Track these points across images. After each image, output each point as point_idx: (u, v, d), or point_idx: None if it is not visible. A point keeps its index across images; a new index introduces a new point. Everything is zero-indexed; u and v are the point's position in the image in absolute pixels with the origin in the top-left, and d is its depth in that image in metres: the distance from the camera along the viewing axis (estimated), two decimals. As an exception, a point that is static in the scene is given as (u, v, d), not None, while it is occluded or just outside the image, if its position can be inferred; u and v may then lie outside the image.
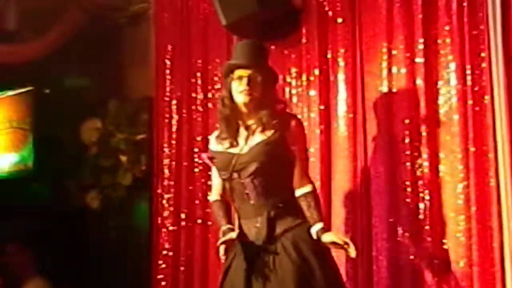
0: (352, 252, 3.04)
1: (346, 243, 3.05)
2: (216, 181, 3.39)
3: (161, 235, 4.64)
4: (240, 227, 3.26)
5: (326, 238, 3.08)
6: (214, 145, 3.34)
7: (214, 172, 3.40)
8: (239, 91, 3.19)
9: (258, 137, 3.19)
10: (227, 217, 3.32)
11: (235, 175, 3.19)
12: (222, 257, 3.26)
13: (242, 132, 3.25)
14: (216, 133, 3.37)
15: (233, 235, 3.18)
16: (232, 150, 3.23)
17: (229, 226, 3.27)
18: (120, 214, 5.24)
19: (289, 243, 3.10)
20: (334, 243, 3.07)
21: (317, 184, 3.82)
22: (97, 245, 5.31)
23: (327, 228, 3.16)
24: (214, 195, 3.40)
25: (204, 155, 3.46)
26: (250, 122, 3.24)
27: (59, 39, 5.25)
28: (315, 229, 3.10)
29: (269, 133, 3.18)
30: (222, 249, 3.22)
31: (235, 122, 3.26)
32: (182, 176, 4.54)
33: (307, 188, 3.18)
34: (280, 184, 3.20)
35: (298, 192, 3.19)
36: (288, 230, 3.13)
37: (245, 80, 3.17)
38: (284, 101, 3.57)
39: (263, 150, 3.15)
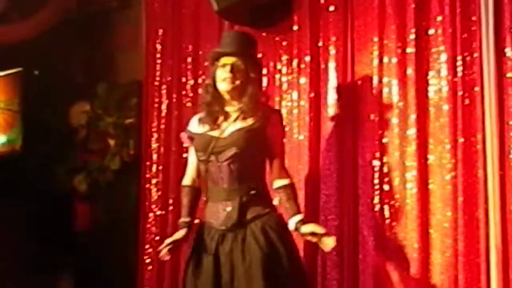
0: (331, 243, 3.10)
1: (325, 233, 3.12)
2: (191, 165, 3.46)
3: (148, 219, 4.64)
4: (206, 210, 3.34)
5: (306, 228, 3.16)
6: (195, 127, 3.40)
7: (190, 155, 3.46)
8: (222, 79, 3.26)
9: (240, 124, 3.26)
10: (188, 207, 3.41)
11: (212, 157, 3.25)
12: (166, 257, 3.34)
13: (225, 116, 3.30)
14: (197, 116, 3.43)
15: (177, 236, 3.31)
16: (212, 133, 3.29)
17: (186, 219, 3.37)
18: (107, 198, 5.23)
19: (258, 229, 3.17)
20: (313, 233, 3.14)
21: (306, 171, 3.85)
22: (85, 229, 5.31)
23: (305, 220, 3.22)
24: (186, 179, 3.49)
25: (183, 134, 3.53)
26: (232, 109, 3.30)
27: (48, 21, 5.21)
28: (294, 220, 3.19)
29: (250, 121, 3.25)
30: (165, 250, 3.30)
31: (217, 109, 3.31)
32: (170, 161, 4.54)
33: (287, 181, 3.27)
34: (254, 172, 3.28)
35: (277, 184, 3.28)
36: (258, 217, 3.21)
37: (228, 68, 3.25)
38: (267, 95, 3.63)
39: (243, 137, 3.22)
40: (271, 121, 3.29)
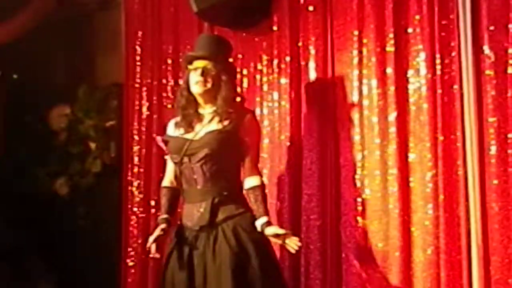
0: (294, 244, 3.12)
1: (287, 234, 3.16)
2: (169, 167, 3.51)
3: (130, 222, 4.62)
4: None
5: (269, 231, 3.20)
6: (172, 130, 3.47)
7: (168, 157, 3.49)
8: (194, 82, 3.33)
9: (214, 126, 3.31)
10: (167, 206, 3.45)
11: (185, 159, 3.31)
12: (156, 255, 3.34)
13: (200, 119, 3.36)
14: (174, 120, 3.49)
15: (158, 232, 3.31)
16: (187, 136, 3.35)
17: (164, 216, 3.40)
18: (89, 201, 5.21)
19: (230, 230, 3.22)
20: (277, 235, 3.17)
21: (288, 171, 3.85)
22: (66, 232, 5.27)
23: (270, 223, 3.24)
24: (165, 181, 3.53)
25: (158, 138, 3.58)
26: (205, 111, 3.36)
27: (27, 23, 5.17)
28: (260, 222, 3.23)
29: (224, 123, 3.29)
30: (153, 248, 3.31)
31: (191, 112, 3.37)
32: (152, 163, 4.52)
33: (256, 182, 3.30)
34: (228, 173, 3.32)
35: (247, 184, 3.32)
36: (229, 218, 3.25)
37: (199, 71, 3.30)
38: (242, 96, 3.68)
39: (215, 138, 3.27)
40: (244, 122, 3.33)
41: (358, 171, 3.64)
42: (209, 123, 3.32)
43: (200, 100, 3.37)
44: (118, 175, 4.78)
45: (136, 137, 4.65)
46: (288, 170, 3.85)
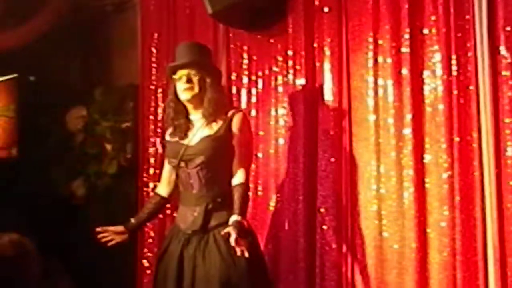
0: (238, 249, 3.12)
1: (235, 239, 3.11)
2: (164, 174, 3.64)
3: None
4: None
5: (227, 229, 3.17)
6: (168, 136, 3.56)
7: (165, 162, 3.62)
8: (182, 90, 3.42)
9: (206, 131, 3.39)
10: (142, 212, 3.67)
11: (182, 164, 3.41)
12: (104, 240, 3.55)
13: (191, 126, 3.44)
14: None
15: (113, 228, 3.53)
16: (182, 141, 3.43)
17: (132, 220, 3.59)
18: (105, 202, 5.23)
19: (221, 237, 3.26)
20: (228, 235, 3.15)
21: (303, 172, 3.84)
22: (83, 233, 5.29)
23: (240, 223, 3.20)
24: (158, 187, 3.68)
25: (157, 141, 3.69)
26: (196, 117, 3.45)
27: (44, 26, 5.20)
28: (231, 219, 3.22)
29: (215, 126, 3.39)
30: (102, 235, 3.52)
31: (182, 121, 3.46)
32: (167, 165, 4.53)
33: (240, 179, 3.34)
34: (222, 179, 3.39)
35: (234, 181, 3.37)
36: (221, 224, 3.29)
37: (184, 79, 3.40)
38: (230, 96, 3.83)
39: (210, 145, 3.36)
40: (234, 122, 3.40)
41: (374, 172, 3.63)
42: (201, 127, 3.41)
43: (189, 106, 3.46)
44: (134, 176, 4.80)
45: (151, 139, 4.67)
46: (303, 171, 3.85)
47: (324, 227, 3.74)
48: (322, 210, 3.75)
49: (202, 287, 3.27)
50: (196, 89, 3.40)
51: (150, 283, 4.52)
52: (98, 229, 3.54)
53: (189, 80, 3.39)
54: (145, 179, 4.68)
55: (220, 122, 3.39)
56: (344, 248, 3.69)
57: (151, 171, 4.65)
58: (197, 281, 3.28)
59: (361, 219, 3.66)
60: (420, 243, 3.44)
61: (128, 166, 5.01)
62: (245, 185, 3.35)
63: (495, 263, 3.22)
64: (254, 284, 3.27)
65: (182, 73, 3.41)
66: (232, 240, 3.11)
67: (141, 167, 4.72)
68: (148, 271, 4.55)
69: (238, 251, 3.11)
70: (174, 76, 3.45)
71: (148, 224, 4.59)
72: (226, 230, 3.17)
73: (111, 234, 3.53)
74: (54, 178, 5.32)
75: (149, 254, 4.58)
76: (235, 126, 3.40)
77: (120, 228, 3.55)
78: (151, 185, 4.64)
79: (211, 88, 3.41)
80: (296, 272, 3.78)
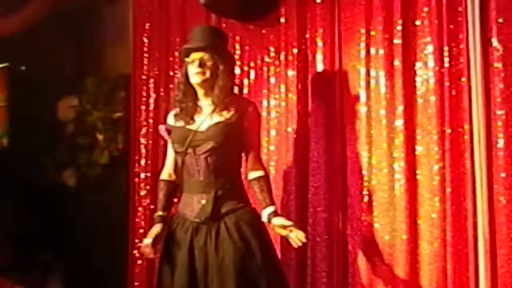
0: (300, 236, 3.09)
1: (293, 226, 3.13)
2: (168, 159, 3.51)
3: (137, 213, 4.64)
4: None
5: (276, 221, 3.19)
6: (172, 121, 3.47)
7: (168, 148, 3.50)
8: (193, 73, 3.32)
9: (217, 118, 3.31)
10: (163, 201, 3.44)
11: (189, 150, 3.30)
12: (151, 255, 3.32)
13: (199, 111, 3.36)
14: (174, 111, 3.48)
15: (154, 233, 3.31)
16: (190, 127, 3.34)
17: (160, 213, 3.40)
18: (96, 192, 5.22)
19: (232, 224, 3.23)
20: (283, 226, 3.16)
21: (294, 164, 3.84)
22: (74, 223, 5.29)
23: (277, 213, 3.25)
24: (163, 174, 3.52)
25: (162, 127, 3.57)
26: (205, 103, 3.36)
27: (35, 15, 5.18)
28: (267, 211, 3.23)
29: (226, 114, 3.31)
30: (148, 250, 3.29)
31: (190, 104, 3.37)
32: (159, 155, 4.52)
33: (260, 173, 3.32)
34: (231, 166, 3.34)
35: (251, 175, 3.33)
36: (232, 211, 3.26)
37: (196, 63, 3.31)
38: (241, 85, 3.72)
39: (220, 131, 3.27)
40: (247, 114, 3.34)
41: (365, 163, 3.63)
42: (210, 114, 3.32)
43: (199, 91, 3.37)
44: (125, 167, 4.79)
45: (143, 129, 4.66)
46: (295, 163, 3.85)
47: (315, 218, 3.74)
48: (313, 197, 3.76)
49: (216, 277, 3.17)
50: (208, 74, 3.31)
51: (141, 274, 4.55)
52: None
53: (201, 65, 3.30)
54: (136, 170, 4.67)
55: (232, 110, 3.31)
56: (335, 240, 3.69)
57: (143, 161, 4.65)
58: (210, 271, 3.19)
59: (352, 210, 3.66)
60: (411, 234, 3.44)
61: (120, 157, 5.00)
62: (267, 177, 3.34)
63: (485, 255, 3.22)
64: (268, 273, 3.21)
65: (195, 56, 3.32)
66: (301, 235, 3.08)
67: (132, 157, 4.71)
68: (139, 261, 4.55)
69: (298, 240, 3.09)
70: (187, 59, 3.37)
71: (139, 214, 4.63)
72: (280, 222, 3.15)
73: (151, 252, 3.31)
74: (44, 167, 5.31)
75: (139, 244, 4.56)
76: (251, 117, 3.34)
77: (157, 229, 3.34)
78: (142, 175, 4.64)
79: (223, 75, 3.32)
80: (287, 263, 3.78)
